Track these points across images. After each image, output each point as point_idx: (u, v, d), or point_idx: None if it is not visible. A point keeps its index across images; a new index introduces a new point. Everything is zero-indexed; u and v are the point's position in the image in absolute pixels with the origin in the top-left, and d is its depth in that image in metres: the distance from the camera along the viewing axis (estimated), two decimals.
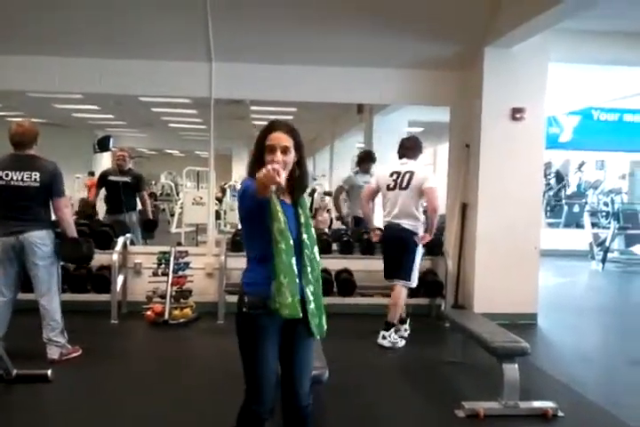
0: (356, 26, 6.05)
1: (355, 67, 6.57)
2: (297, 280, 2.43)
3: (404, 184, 5.36)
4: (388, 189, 5.45)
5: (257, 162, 2.46)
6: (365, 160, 7.88)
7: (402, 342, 5.33)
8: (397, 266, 5.40)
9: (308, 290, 2.47)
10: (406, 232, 5.32)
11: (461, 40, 6.28)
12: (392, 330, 5.32)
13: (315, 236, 2.57)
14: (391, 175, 5.46)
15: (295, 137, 2.51)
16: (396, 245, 5.39)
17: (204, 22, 5.88)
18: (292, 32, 6.17)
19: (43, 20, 5.94)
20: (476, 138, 6.36)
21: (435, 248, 6.46)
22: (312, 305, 2.48)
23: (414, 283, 5.43)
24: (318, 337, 2.51)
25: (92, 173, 14.78)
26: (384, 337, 5.28)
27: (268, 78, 6.56)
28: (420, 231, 5.36)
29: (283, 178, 2.26)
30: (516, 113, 6.21)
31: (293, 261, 2.43)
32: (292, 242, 2.42)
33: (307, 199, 2.61)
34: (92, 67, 6.42)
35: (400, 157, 5.62)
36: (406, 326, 5.53)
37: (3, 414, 3.56)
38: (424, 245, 5.51)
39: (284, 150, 2.47)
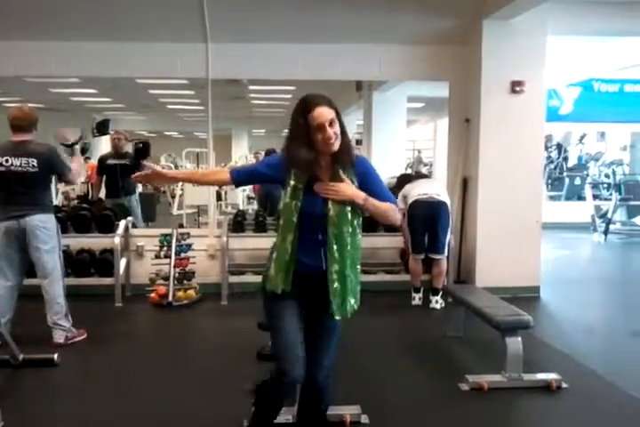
0: (352, 2, 5.98)
1: (352, 43, 6.51)
2: (287, 257, 2.43)
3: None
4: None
5: (302, 144, 2.40)
6: (402, 184, 6.33)
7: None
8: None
9: (333, 269, 2.42)
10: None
11: (459, 13, 6.21)
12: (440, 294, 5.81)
13: (350, 213, 2.45)
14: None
15: (335, 107, 2.44)
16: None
17: (200, 3, 5.81)
18: (288, 10, 6.09)
19: (37, 4, 5.88)
20: (476, 112, 6.32)
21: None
22: (335, 284, 2.43)
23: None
24: (337, 317, 2.47)
25: (87, 158, 14.68)
26: (436, 301, 5.81)
27: (264, 58, 6.50)
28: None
29: (336, 147, 2.40)
30: (516, 86, 6.17)
31: (290, 237, 2.42)
32: (294, 218, 2.41)
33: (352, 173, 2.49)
34: (88, 50, 6.37)
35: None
36: (420, 294, 5.95)
37: (10, 399, 3.58)
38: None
39: (332, 123, 2.40)
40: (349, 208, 2.44)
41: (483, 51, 6.17)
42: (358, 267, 2.54)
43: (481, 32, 6.16)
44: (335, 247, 2.42)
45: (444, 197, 5.81)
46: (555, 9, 6.00)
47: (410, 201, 5.80)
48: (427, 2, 6.03)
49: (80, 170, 4.76)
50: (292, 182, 2.44)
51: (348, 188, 2.43)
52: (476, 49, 6.29)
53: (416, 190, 5.87)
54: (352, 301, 2.50)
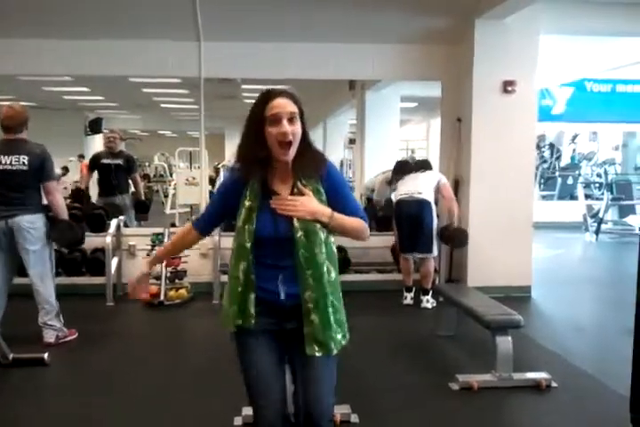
0: (345, 1, 5.98)
1: (344, 43, 6.52)
2: (240, 288, 2.06)
3: (420, 171, 5.98)
4: (403, 175, 6.08)
5: (253, 140, 2.07)
6: (398, 172, 6.53)
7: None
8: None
9: (307, 297, 2.03)
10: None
11: (452, 12, 6.22)
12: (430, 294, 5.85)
13: (322, 230, 2.06)
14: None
15: (298, 104, 2.08)
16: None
17: (192, 1, 5.80)
18: (280, 9, 6.08)
19: (29, 2, 5.86)
20: (468, 112, 6.34)
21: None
22: (313, 316, 2.03)
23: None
24: (318, 354, 2.05)
25: (82, 156, 14.66)
26: (427, 301, 5.84)
27: (257, 57, 6.50)
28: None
29: (291, 154, 2.03)
30: (508, 86, 6.18)
31: (242, 266, 2.05)
32: (247, 244, 2.04)
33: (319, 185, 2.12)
34: (81, 48, 6.36)
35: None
36: (412, 294, 5.99)
37: (1, 398, 3.58)
38: None
39: (292, 118, 2.03)
40: (319, 225, 2.06)
41: (475, 50, 6.19)
42: (340, 293, 2.14)
43: (473, 31, 6.18)
44: (309, 272, 2.03)
45: (426, 194, 5.77)
46: (548, 8, 6.03)
47: (395, 200, 5.86)
48: (419, 1, 6.03)
49: (61, 201, 4.69)
50: (246, 203, 2.07)
51: (311, 202, 2.04)
52: (468, 48, 6.30)
53: (401, 188, 5.94)
54: (338, 336, 2.10)
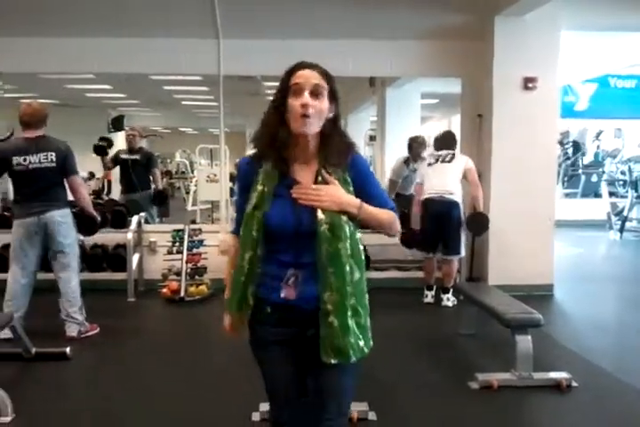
0: None
1: (364, 39, 6.49)
2: (243, 277, 1.89)
3: (447, 159, 5.75)
4: (429, 165, 5.82)
5: (272, 113, 1.88)
6: (412, 146, 7.11)
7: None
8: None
9: (327, 298, 1.82)
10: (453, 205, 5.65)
11: (472, 9, 6.17)
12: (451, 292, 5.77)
13: (349, 224, 1.86)
14: (432, 157, 5.86)
15: (330, 81, 1.88)
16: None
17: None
18: (299, 6, 6.09)
19: (52, 1, 5.92)
20: (488, 108, 6.29)
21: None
22: (331, 318, 1.82)
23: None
24: (334, 361, 1.84)
25: (105, 153, 14.76)
26: (447, 299, 5.76)
27: (276, 54, 6.47)
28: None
29: (310, 127, 1.81)
30: (528, 82, 6.13)
31: (247, 255, 1.88)
32: (254, 233, 1.86)
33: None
34: (101, 46, 6.41)
35: (438, 149, 5.92)
36: (433, 292, 5.93)
37: (23, 392, 3.62)
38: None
39: (315, 91, 1.82)
40: (345, 217, 1.86)
41: (495, 47, 6.14)
42: (366, 295, 1.94)
43: (493, 28, 6.13)
44: (330, 270, 1.82)
45: (456, 194, 5.66)
46: (568, 4, 5.95)
47: (423, 197, 5.73)
48: None
49: (86, 195, 4.92)
50: (258, 187, 1.87)
51: (337, 192, 1.85)
52: (488, 45, 6.24)
53: (430, 183, 5.68)
54: (360, 342, 1.87)
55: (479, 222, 5.88)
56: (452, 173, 5.69)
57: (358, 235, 1.92)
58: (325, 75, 1.87)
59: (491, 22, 6.14)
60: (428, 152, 6.56)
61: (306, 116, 1.80)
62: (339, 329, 1.82)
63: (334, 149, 1.88)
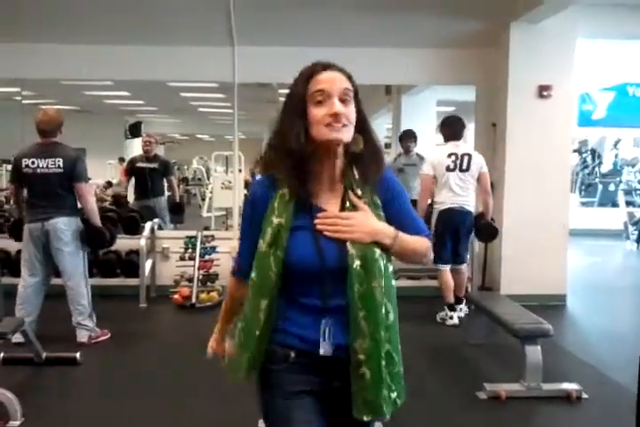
0: (379, 5, 5.97)
1: (378, 47, 6.50)
2: (257, 331, 1.58)
3: (465, 166, 5.42)
4: (448, 170, 5.43)
5: (287, 127, 1.54)
6: (403, 139, 7.63)
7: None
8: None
9: (359, 346, 1.53)
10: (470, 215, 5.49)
11: (487, 16, 6.16)
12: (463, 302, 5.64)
13: (382, 257, 1.56)
14: (449, 156, 5.43)
15: (353, 81, 1.59)
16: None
17: (226, 6, 5.87)
18: (314, 13, 6.11)
19: (71, 8, 6.01)
20: (502, 117, 6.27)
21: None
22: (363, 369, 1.54)
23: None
24: (366, 418, 1.56)
25: (122, 159, 14.93)
26: (460, 309, 5.59)
27: (291, 61, 6.39)
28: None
29: (346, 135, 1.51)
30: (543, 91, 6.09)
31: (262, 305, 1.56)
32: (272, 275, 1.54)
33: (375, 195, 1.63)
34: (118, 53, 6.50)
35: (447, 139, 5.57)
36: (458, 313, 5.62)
37: (32, 396, 3.65)
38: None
39: (345, 98, 1.53)
40: (379, 250, 1.56)
41: (510, 54, 6.12)
42: (398, 340, 1.64)
43: (508, 35, 6.11)
44: (362, 314, 1.53)
45: (472, 204, 5.54)
46: (585, 12, 5.92)
47: (441, 207, 5.47)
48: (454, 5, 5.99)
49: (93, 204, 4.74)
50: (273, 219, 1.55)
51: (369, 220, 1.57)
52: (502, 52, 6.23)
53: (452, 192, 5.39)
54: (393, 394, 1.59)
55: (488, 231, 5.78)
56: (472, 182, 5.48)
57: (390, 268, 1.61)
58: (348, 75, 1.60)
59: (506, 29, 6.13)
60: (438, 147, 6.42)
61: (340, 129, 1.51)
62: (370, 382, 1.55)
63: (369, 163, 1.59)
